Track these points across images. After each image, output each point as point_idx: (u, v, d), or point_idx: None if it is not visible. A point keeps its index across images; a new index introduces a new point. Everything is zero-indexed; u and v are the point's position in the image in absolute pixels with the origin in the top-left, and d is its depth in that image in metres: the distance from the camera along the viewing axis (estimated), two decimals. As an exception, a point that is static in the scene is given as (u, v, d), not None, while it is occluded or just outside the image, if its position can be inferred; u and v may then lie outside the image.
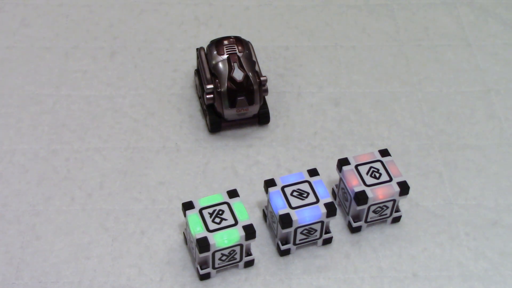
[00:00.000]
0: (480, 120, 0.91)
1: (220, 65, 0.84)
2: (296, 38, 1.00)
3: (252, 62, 0.85)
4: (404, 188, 0.75)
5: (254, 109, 0.85)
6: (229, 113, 0.84)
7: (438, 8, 1.05)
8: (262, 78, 0.84)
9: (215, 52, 0.85)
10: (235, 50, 0.85)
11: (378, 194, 0.75)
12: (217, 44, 0.86)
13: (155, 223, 0.79)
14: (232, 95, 0.83)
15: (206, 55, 0.87)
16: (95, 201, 0.80)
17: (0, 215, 0.79)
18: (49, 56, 0.96)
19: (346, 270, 0.76)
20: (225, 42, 0.86)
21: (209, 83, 0.84)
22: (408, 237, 0.78)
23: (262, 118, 0.87)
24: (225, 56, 0.84)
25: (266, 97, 0.89)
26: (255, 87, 0.83)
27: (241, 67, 0.83)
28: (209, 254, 0.71)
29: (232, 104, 0.83)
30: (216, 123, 0.86)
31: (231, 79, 0.83)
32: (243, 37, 0.88)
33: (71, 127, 0.87)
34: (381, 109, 0.91)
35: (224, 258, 0.72)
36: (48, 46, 0.97)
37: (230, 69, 0.83)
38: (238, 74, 0.83)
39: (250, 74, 0.83)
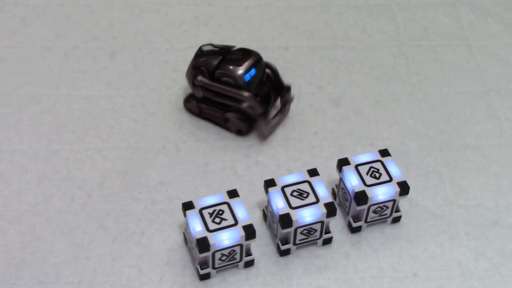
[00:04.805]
0: (480, 120, 0.91)
1: None
2: (296, 38, 1.00)
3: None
4: (404, 188, 0.75)
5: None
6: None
7: (438, 8, 1.05)
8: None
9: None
10: None
11: (378, 194, 0.75)
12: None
13: (155, 223, 0.79)
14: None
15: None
16: (95, 201, 0.80)
17: (0, 215, 0.79)
18: (49, 56, 0.96)
19: (346, 270, 0.75)
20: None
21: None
22: (408, 237, 0.78)
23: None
24: None
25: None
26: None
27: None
28: (209, 254, 0.71)
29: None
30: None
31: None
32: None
33: (71, 127, 0.87)
34: (381, 109, 0.91)
35: (224, 258, 0.72)
36: (48, 46, 0.97)
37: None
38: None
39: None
